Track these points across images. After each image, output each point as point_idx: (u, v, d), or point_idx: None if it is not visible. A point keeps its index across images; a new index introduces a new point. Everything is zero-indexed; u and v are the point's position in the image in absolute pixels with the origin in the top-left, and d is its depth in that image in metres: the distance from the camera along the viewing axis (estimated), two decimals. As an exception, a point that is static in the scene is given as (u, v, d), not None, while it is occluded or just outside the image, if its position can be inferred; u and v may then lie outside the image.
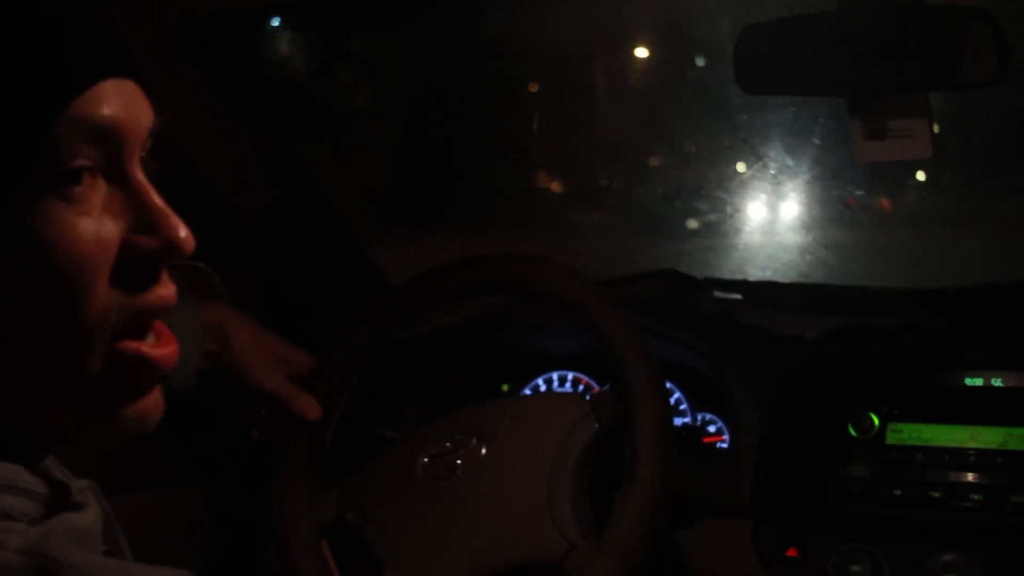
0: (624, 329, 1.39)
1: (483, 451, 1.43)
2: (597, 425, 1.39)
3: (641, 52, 3.07)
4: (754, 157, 2.49)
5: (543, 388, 1.88)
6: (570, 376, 1.87)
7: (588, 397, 1.42)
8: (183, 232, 0.79)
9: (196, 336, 1.43)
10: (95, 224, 0.75)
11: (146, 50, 1.45)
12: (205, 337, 1.45)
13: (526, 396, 1.76)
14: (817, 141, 2.40)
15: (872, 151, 1.35)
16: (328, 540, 1.50)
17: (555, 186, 3.50)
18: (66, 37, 0.73)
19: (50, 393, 0.76)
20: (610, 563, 1.29)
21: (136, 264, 0.77)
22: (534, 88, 3.15)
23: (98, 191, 0.76)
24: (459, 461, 1.43)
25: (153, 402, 0.82)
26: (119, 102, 0.76)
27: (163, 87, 1.53)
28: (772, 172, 2.48)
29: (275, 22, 1.69)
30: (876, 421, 1.55)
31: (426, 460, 1.45)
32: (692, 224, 2.98)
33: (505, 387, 1.89)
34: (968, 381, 1.56)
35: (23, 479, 0.74)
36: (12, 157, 0.70)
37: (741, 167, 2.58)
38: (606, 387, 1.41)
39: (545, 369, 1.89)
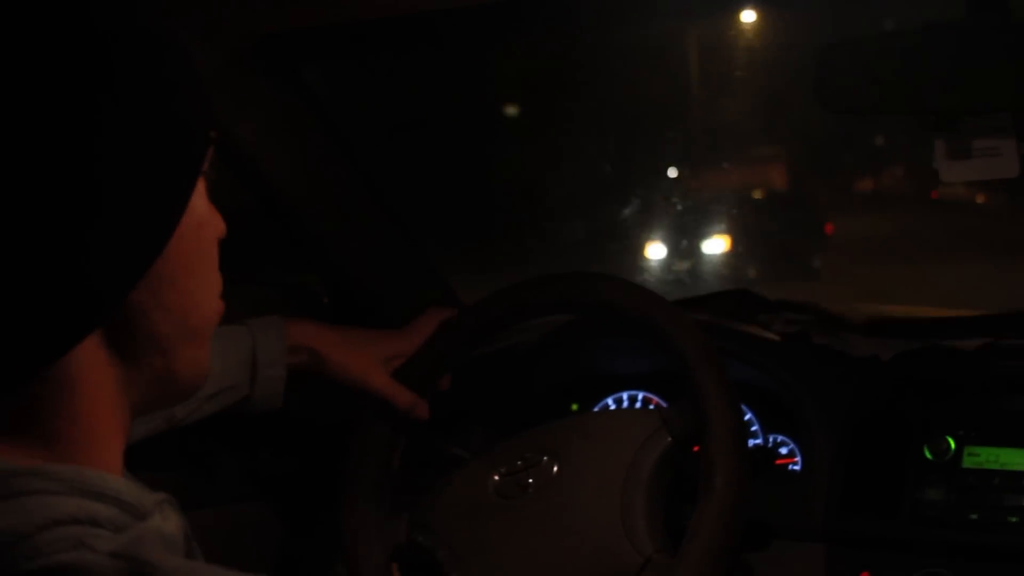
0: (695, 341, 1.38)
1: (555, 469, 1.42)
2: (669, 438, 1.38)
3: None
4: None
5: (613, 407, 1.87)
6: (640, 396, 1.86)
7: (659, 411, 1.42)
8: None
9: (283, 360, 1.46)
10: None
11: (226, 62, 1.47)
12: (293, 356, 1.48)
13: (597, 413, 1.75)
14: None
15: (957, 170, 1.34)
16: (399, 563, 1.50)
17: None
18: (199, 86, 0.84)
19: (183, 366, 0.85)
20: None
21: None
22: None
23: None
24: (531, 480, 1.43)
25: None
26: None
27: (241, 98, 1.56)
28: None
29: (358, 41, 1.70)
30: (952, 444, 1.53)
31: (497, 479, 1.45)
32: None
33: (575, 407, 1.88)
34: (1047, 405, 1.53)
35: (110, 487, 0.76)
36: (194, 156, 0.81)
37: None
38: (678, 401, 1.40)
39: (615, 389, 1.88)
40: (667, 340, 1.40)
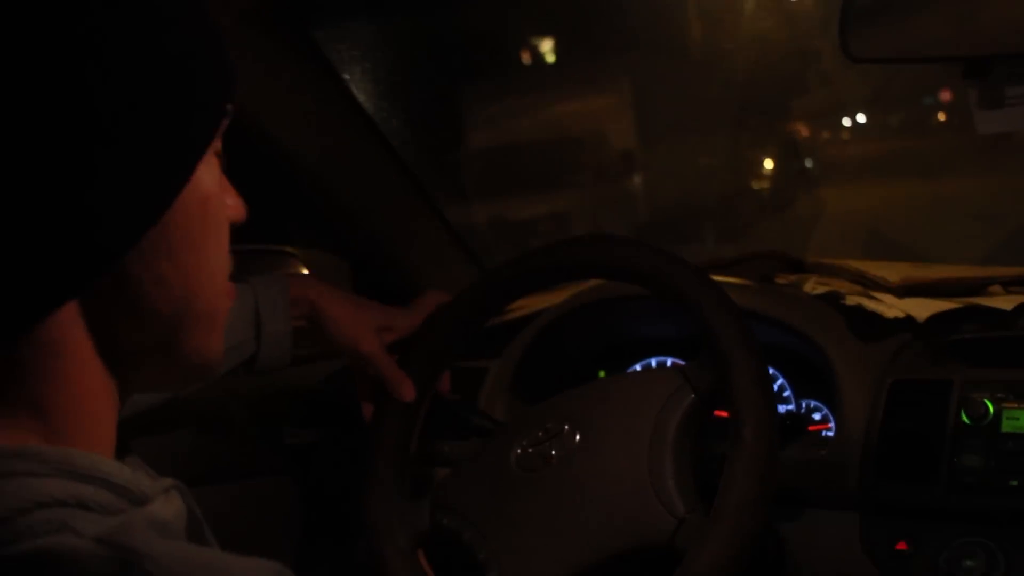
0: (709, 292, 1.33)
1: (577, 437, 1.39)
2: (692, 395, 1.34)
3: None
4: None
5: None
6: (669, 362, 1.82)
7: (679, 368, 1.38)
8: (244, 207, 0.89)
9: (287, 314, 1.43)
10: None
11: (236, 20, 1.44)
12: (295, 314, 1.45)
13: (616, 377, 1.71)
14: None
15: (992, 121, 1.29)
16: (424, 549, 1.47)
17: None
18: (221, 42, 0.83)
19: (193, 343, 0.82)
20: (723, 532, 1.23)
21: None
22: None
23: None
24: (553, 451, 1.39)
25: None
26: None
27: (249, 63, 1.53)
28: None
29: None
30: (991, 407, 1.47)
31: (519, 452, 1.42)
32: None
33: (602, 374, 1.85)
34: (1090, 366, 1.47)
35: (100, 469, 0.73)
36: (206, 130, 0.79)
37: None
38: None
39: (644, 355, 1.84)
40: (682, 296, 1.36)
